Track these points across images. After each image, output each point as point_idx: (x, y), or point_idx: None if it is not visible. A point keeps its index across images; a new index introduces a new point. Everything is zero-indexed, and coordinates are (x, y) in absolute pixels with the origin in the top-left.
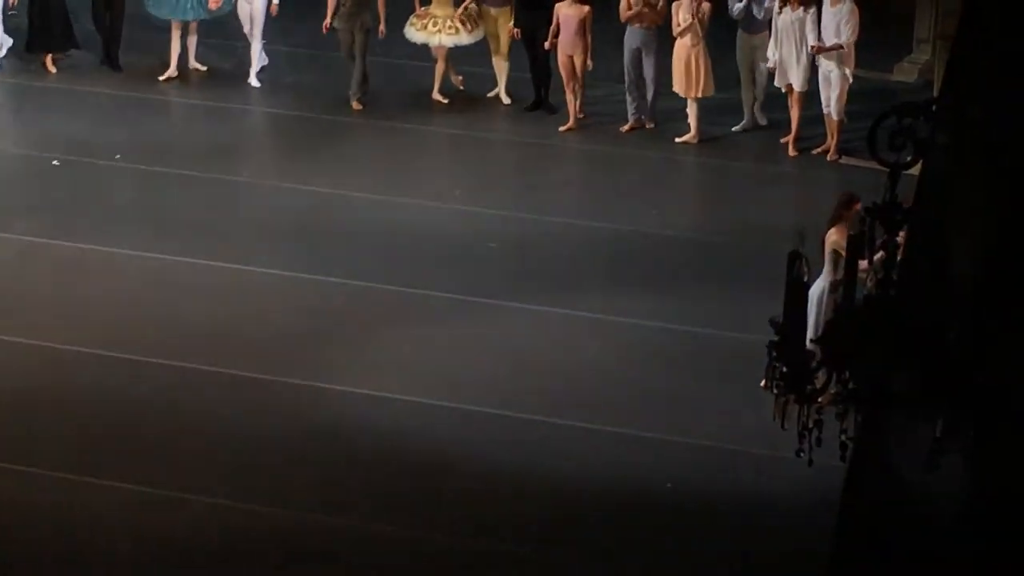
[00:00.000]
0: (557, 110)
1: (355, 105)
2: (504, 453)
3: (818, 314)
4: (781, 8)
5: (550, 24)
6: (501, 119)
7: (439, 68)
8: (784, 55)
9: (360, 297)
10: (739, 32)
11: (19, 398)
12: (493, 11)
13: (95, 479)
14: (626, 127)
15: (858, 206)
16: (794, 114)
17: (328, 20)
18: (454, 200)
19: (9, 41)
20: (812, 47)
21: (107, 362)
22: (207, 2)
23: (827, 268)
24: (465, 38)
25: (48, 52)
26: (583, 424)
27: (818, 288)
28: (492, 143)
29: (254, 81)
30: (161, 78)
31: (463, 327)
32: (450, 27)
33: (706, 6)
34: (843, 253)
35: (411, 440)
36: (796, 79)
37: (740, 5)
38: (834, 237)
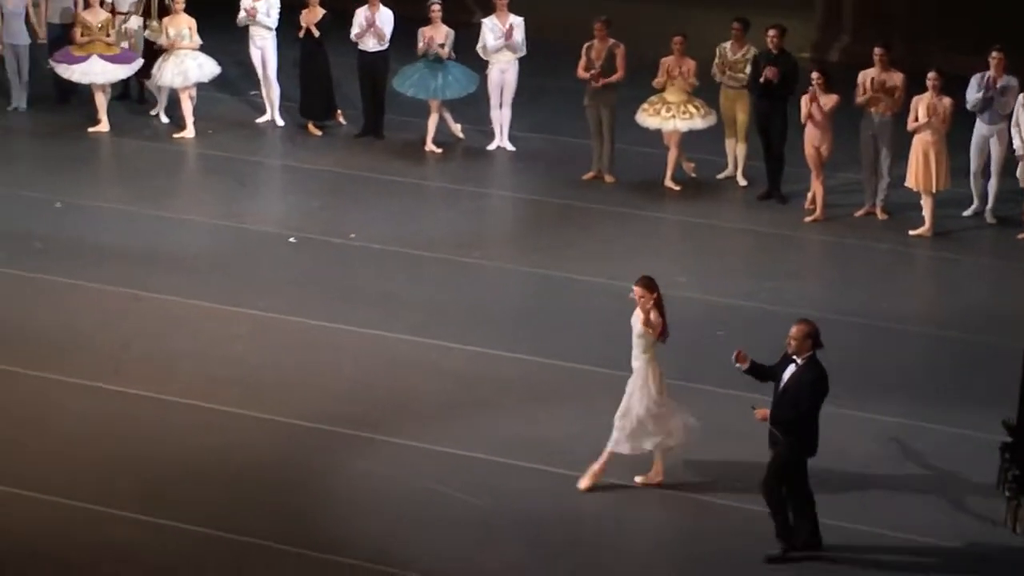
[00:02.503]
0: (789, 200)
1: (608, 179)
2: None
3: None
4: None
5: (784, 113)
6: (733, 207)
7: (672, 155)
8: None
9: (582, 379)
10: (976, 122)
11: (247, 471)
12: (731, 93)
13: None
14: (860, 212)
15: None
16: None
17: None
18: (680, 287)
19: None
20: None
21: (334, 437)
22: (454, 84)
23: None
24: (699, 123)
25: (310, 120)
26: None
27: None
28: (723, 231)
29: (507, 144)
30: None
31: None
32: (684, 113)
33: (947, 102)
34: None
35: (629, 526)
36: None
37: (978, 96)
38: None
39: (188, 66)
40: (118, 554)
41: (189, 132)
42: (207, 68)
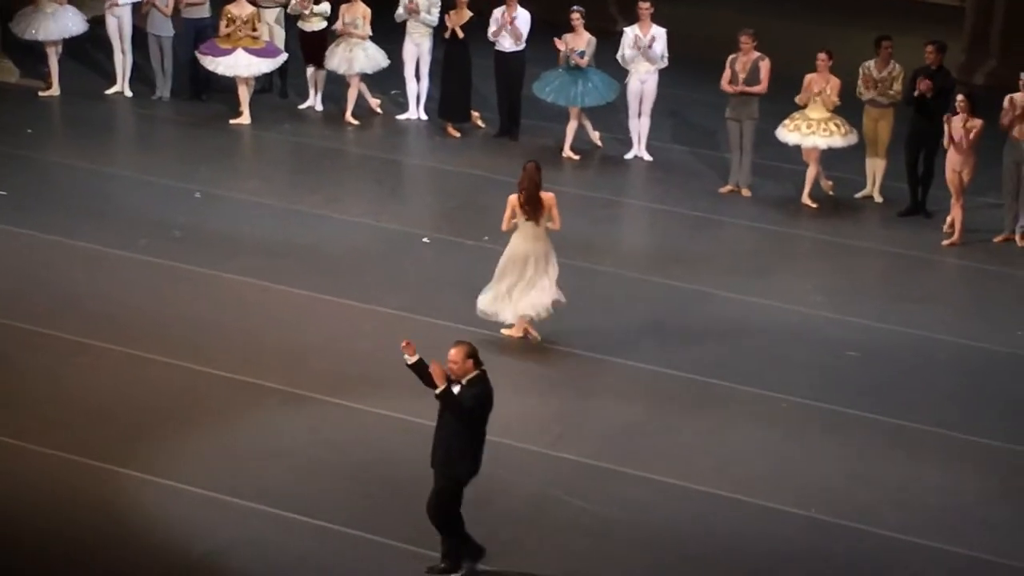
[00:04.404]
0: (933, 215)
1: (745, 192)
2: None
3: None
4: None
5: (938, 130)
6: (869, 227)
7: (810, 171)
8: None
9: (707, 392)
10: None
11: (367, 466)
12: (874, 112)
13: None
14: (999, 238)
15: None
16: None
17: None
18: (816, 305)
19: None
20: None
21: None
22: (594, 91)
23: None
24: (839, 140)
25: (448, 121)
26: (927, 542)
27: None
28: (859, 250)
29: (645, 154)
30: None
31: (810, 433)
32: (824, 130)
33: None
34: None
35: (741, 539)
36: None
37: None
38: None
39: (356, 55)
40: (253, 546)
41: (350, 119)
42: (375, 59)
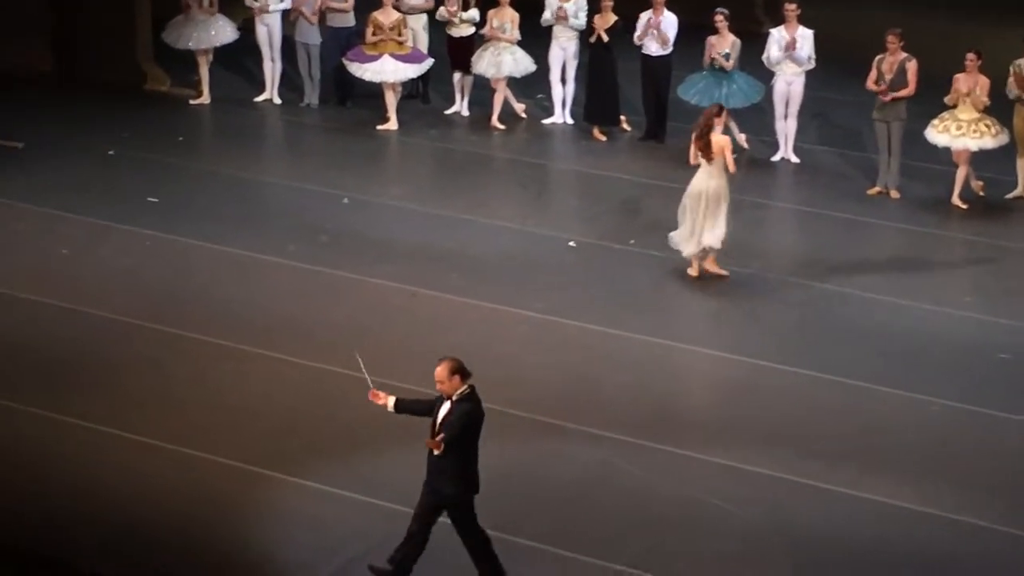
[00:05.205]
0: None
1: (893, 194)
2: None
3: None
4: None
5: None
6: (1022, 227)
7: (960, 172)
8: None
9: (855, 395)
10: None
11: (508, 468)
12: None
13: None
14: None
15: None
16: None
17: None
18: (966, 307)
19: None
20: None
21: (604, 442)
22: (738, 93)
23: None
24: (990, 142)
25: (595, 124)
26: None
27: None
28: (1011, 251)
29: (792, 156)
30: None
31: (960, 436)
32: (975, 131)
33: None
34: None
35: (897, 546)
36: None
37: None
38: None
39: (504, 59)
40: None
41: (496, 124)
42: (522, 64)
